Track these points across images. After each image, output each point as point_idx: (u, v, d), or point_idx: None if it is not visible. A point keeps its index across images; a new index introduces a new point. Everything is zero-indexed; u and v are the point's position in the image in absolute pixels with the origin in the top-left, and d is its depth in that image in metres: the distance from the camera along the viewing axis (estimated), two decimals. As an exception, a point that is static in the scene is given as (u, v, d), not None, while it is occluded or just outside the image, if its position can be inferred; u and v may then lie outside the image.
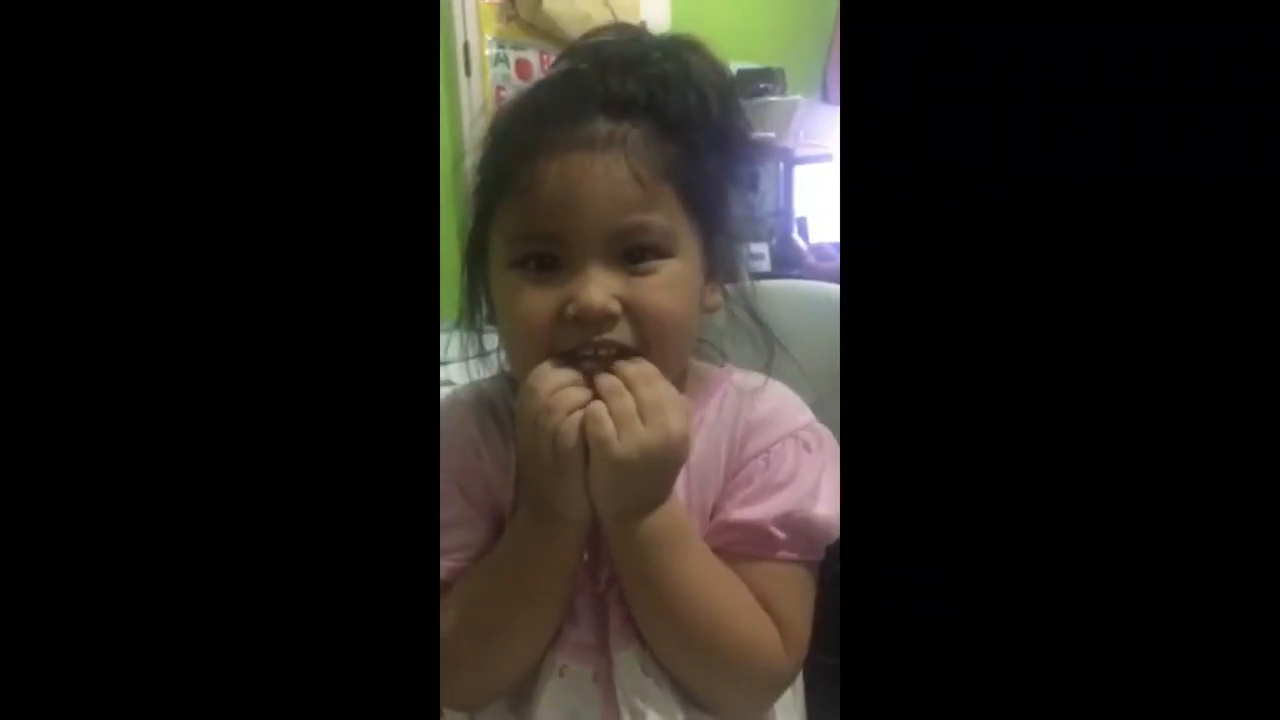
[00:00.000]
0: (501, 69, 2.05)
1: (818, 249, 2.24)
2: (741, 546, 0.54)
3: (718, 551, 0.54)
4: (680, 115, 0.52)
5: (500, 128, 0.56)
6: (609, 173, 0.50)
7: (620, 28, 0.57)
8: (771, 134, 2.14)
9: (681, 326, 0.53)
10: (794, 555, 0.54)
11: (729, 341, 0.63)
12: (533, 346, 0.52)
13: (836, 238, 2.32)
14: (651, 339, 0.51)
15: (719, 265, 0.57)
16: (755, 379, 0.60)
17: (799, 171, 2.36)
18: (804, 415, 0.58)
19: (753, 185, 2.36)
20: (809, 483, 0.55)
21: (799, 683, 0.70)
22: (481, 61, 2.01)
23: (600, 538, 0.54)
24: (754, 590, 0.53)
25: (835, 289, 0.71)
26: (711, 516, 0.56)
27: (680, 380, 0.58)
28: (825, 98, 2.61)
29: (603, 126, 0.51)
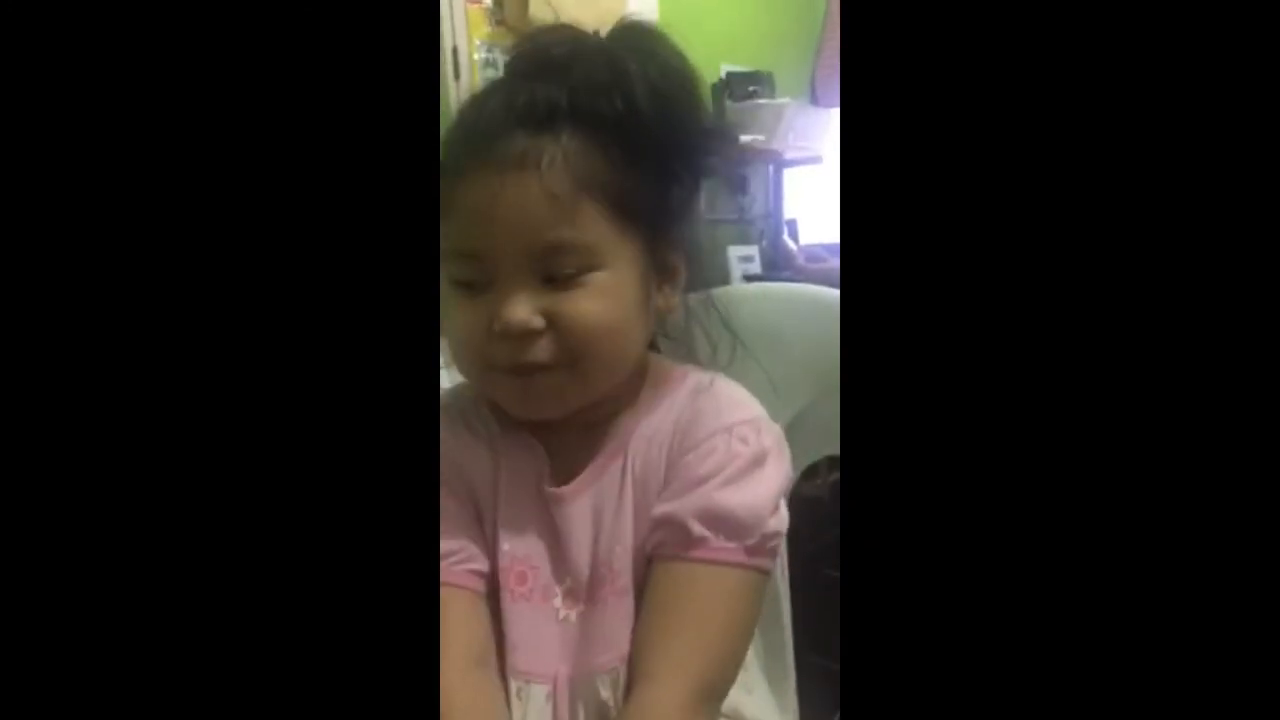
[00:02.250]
0: (490, 73, 2.05)
1: (808, 251, 2.25)
2: (664, 547, 0.52)
3: (649, 555, 0.53)
4: (611, 120, 0.50)
5: (445, 144, 0.55)
6: (521, 193, 0.49)
7: (559, 29, 0.54)
8: (760, 136, 2.14)
9: (613, 335, 0.53)
10: (719, 555, 0.51)
11: (696, 344, 0.63)
12: (469, 363, 0.54)
13: (827, 240, 2.33)
14: (577, 348, 0.51)
15: (669, 267, 0.56)
16: (705, 379, 0.59)
17: (788, 174, 2.36)
18: (745, 411, 0.56)
19: (742, 188, 2.36)
20: (731, 473, 0.52)
21: (791, 686, 0.70)
22: (470, 65, 2.01)
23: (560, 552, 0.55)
24: (674, 595, 0.51)
25: (825, 291, 0.71)
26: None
27: (637, 382, 0.58)
28: (814, 100, 2.61)
29: (519, 143, 0.50)
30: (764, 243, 2.32)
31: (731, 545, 0.51)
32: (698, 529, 0.51)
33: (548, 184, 0.49)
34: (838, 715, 0.50)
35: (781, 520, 0.54)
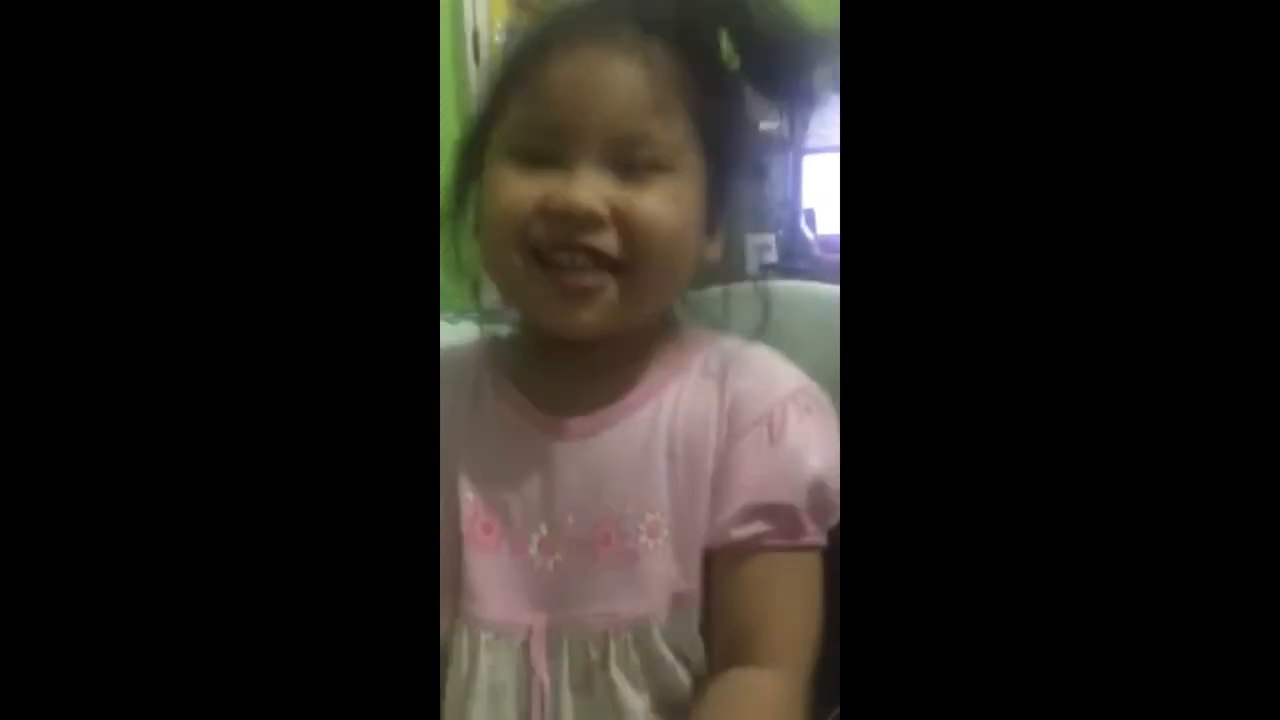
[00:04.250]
0: (511, 57, 2.04)
1: (825, 240, 2.23)
2: (768, 538, 0.50)
3: (742, 546, 0.51)
4: (710, 47, 0.51)
5: (520, 34, 0.55)
6: (623, 72, 0.48)
7: None
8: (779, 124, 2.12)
9: (674, 241, 0.51)
10: (814, 540, 0.51)
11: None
12: (506, 236, 0.50)
13: (845, 229, 2.31)
14: (640, 249, 0.49)
15: (722, 201, 0.55)
16: (732, 346, 0.56)
17: (807, 162, 2.35)
18: (797, 378, 0.55)
19: (762, 175, 2.35)
20: (814, 445, 0.51)
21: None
22: (491, 49, 2.01)
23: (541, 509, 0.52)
24: (781, 583, 0.50)
25: (834, 290, 0.71)
26: (714, 485, 0.52)
27: (662, 337, 0.56)
28: (834, 89, 2.58)
29: (628, 30, 0.49)
30: (781, 231, 2.31)
31: (817, 528, 0.51)
32: (807, 516, 0.50)
33: (651, 71, 0.48)
34: (837, 710, 0.50)
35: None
